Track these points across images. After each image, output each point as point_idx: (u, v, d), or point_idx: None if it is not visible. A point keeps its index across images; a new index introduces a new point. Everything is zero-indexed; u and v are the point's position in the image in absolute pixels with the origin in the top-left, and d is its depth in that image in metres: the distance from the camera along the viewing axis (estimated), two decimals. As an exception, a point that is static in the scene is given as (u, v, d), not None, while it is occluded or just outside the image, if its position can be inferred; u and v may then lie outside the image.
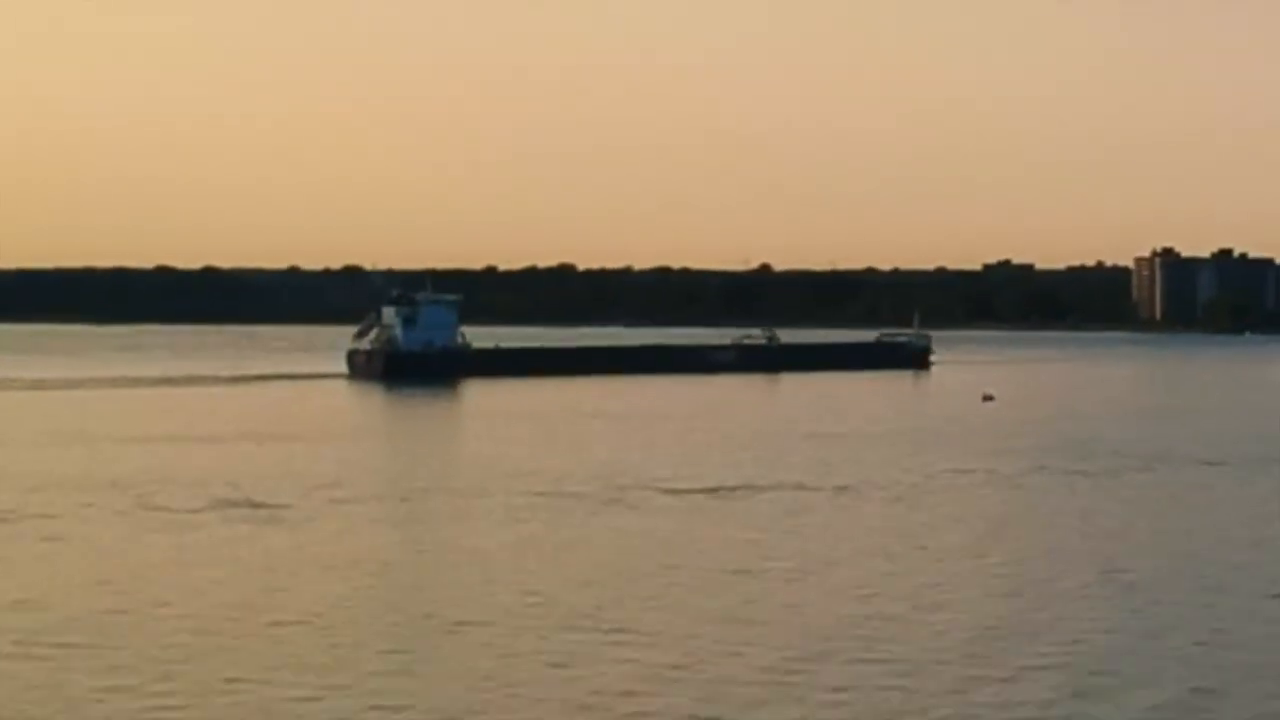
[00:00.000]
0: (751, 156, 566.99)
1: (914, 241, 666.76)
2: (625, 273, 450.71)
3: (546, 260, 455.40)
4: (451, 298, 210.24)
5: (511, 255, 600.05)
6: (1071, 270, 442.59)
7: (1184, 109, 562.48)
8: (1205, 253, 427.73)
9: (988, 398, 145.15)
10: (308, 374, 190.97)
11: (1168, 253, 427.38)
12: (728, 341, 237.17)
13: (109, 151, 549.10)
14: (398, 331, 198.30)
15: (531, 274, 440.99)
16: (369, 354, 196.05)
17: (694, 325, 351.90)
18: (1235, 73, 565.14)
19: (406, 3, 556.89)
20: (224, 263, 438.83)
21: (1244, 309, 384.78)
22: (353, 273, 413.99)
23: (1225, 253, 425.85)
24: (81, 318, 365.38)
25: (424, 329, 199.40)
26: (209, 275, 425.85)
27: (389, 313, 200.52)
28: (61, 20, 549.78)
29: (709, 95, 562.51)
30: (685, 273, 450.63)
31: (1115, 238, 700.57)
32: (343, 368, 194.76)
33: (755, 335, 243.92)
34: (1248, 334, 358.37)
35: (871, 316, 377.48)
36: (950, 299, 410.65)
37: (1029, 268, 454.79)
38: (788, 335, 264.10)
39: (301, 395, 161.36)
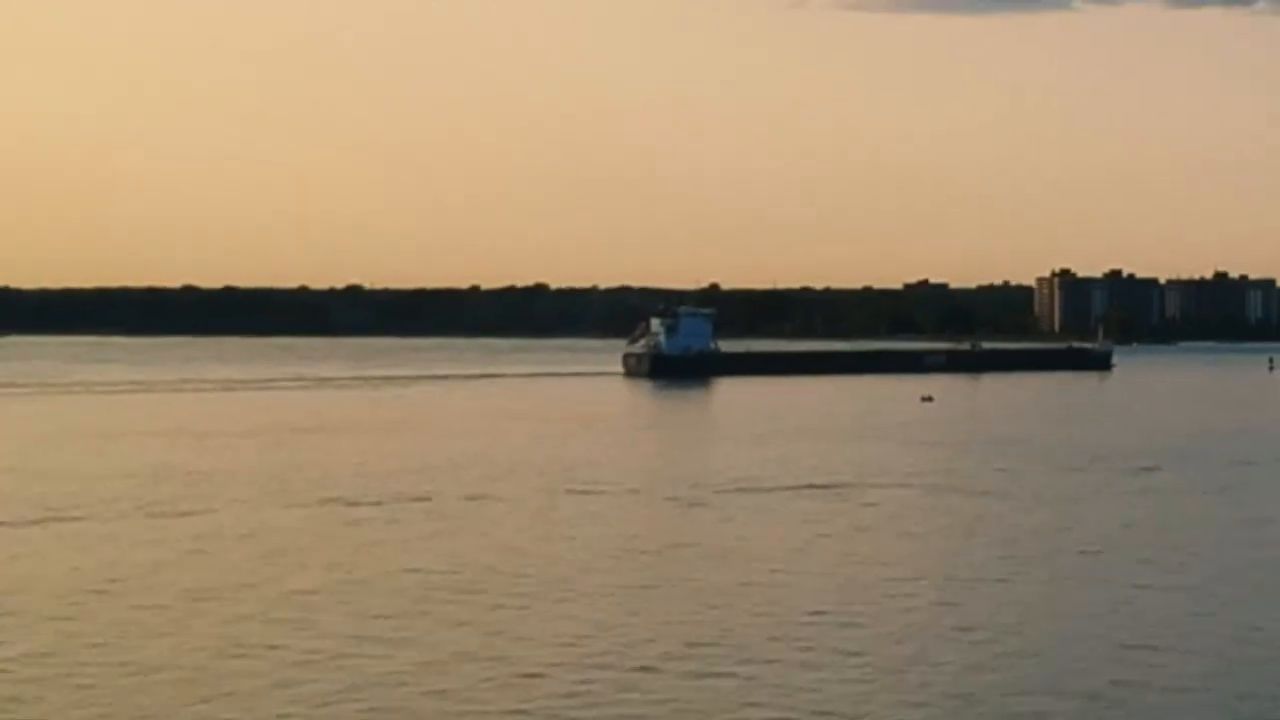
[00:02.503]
0: (702, 188, 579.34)
1: (843, 263, 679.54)
2: (591, 291, 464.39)
3: (523, 280, 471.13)
4: (706, 311, 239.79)
5: (493, 276, 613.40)
6: (981, 288, 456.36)
7: (1081, 145, 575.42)
8: (1098, 273, 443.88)
9: (926, 399, 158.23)
10: (590, 372, 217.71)
11: (1065, 273, 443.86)
12: (939, 348, 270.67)
13: (142, 185, 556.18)
14: (662, 338, 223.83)
15: (510, 292, 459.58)
16: (639, 357, 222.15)
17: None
18: (1124, 114, 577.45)
19: (401, 58, 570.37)
20: (242, 283, 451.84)
21: (1132, 323, 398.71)
22: (354, 291, 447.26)
23: (1115, 273, 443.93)
24: (120, 332, 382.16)
25: (683, 336, 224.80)
26: (229, 293, 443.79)
27: (655, 323, 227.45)
28: (96, 64, 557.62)
29: (664, 133, 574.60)
30: (644, 290, 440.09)
31: (1019, 260, 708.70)
32: (618, 368, 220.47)
33: (961, 343, 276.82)
34: (1135, 345, 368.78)
35: (808, 330, 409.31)
36: (875, 314, 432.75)
37: (944, 286, 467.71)
38: (733, 345, 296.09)
39: (593, 389, 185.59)
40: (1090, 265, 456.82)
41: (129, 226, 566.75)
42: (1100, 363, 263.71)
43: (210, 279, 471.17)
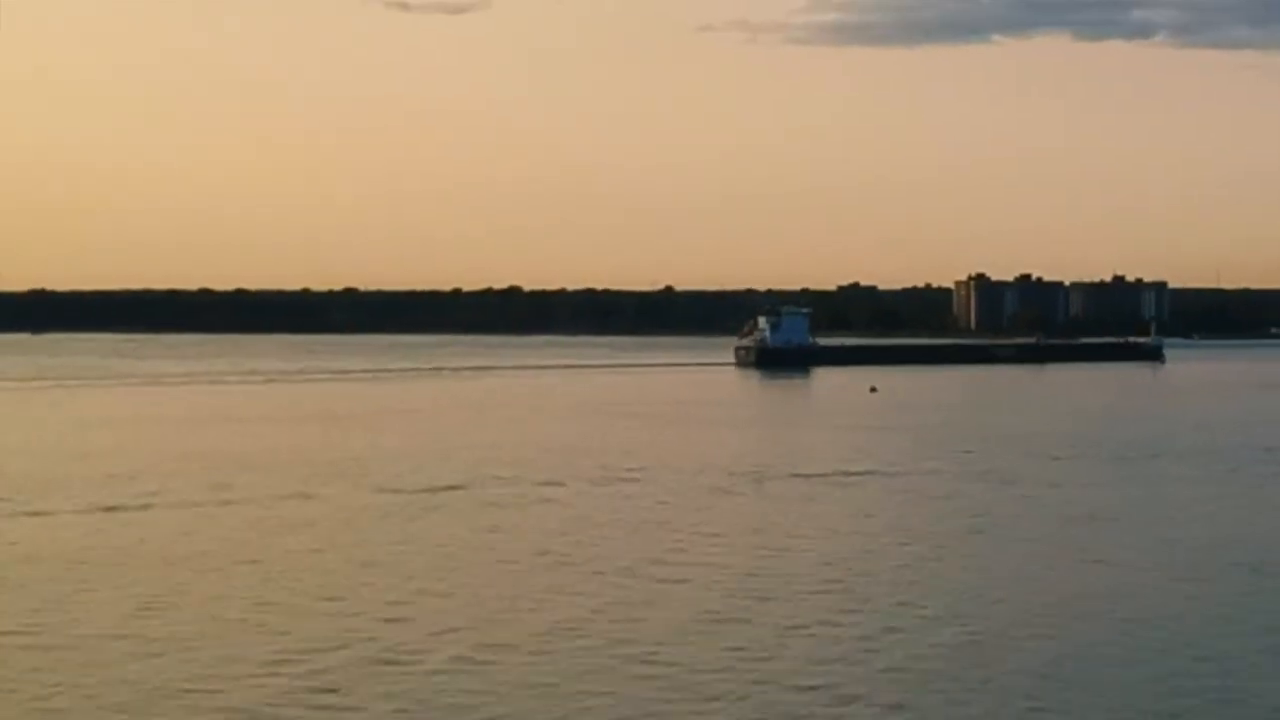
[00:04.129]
0: (658, 197, 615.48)
1: (783, 266, 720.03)
2: (560, 293, 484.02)
3: (499, 283, 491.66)
4: (805, 310, 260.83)
5: (473, 278, 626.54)
6: (906, 290, 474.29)
7: (996, 161, 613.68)
8: (1010, 276, 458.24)
9: (873, 389, 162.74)
10: (707, 363, 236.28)
11: (980, 277, 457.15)
12: (1009, 342, 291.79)
13: (163, 198, 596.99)
14: (767, 334, 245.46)
15: (488, 294, 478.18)
16: (747, 349, 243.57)
17: (614, 334, 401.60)
18: (1034, 136, 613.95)
19: (390, 85, 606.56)
20: (251, 285, 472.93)
21: (1040, 323, 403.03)
22: (351, 294, 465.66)
23: (1025, 276, 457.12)
24: (144, 329, 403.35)
25: (785, 332, 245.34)
26: (241, 295, 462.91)
27: (762, 321, 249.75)
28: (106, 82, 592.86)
29: (622, 149, 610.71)
30: (607, 293, 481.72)
31: (940, 264, 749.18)
32: (730, 359, 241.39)
33: (1028, 338, 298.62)
34: (1042, 340, 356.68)
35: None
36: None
37: (873, 288, 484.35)
38: (685, 341, 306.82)
39: (709, 378, 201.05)
40: (1003, 269, 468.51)
41: (152, 235, 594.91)
42: (1153, 354, 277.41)
43: (223, 282, 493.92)
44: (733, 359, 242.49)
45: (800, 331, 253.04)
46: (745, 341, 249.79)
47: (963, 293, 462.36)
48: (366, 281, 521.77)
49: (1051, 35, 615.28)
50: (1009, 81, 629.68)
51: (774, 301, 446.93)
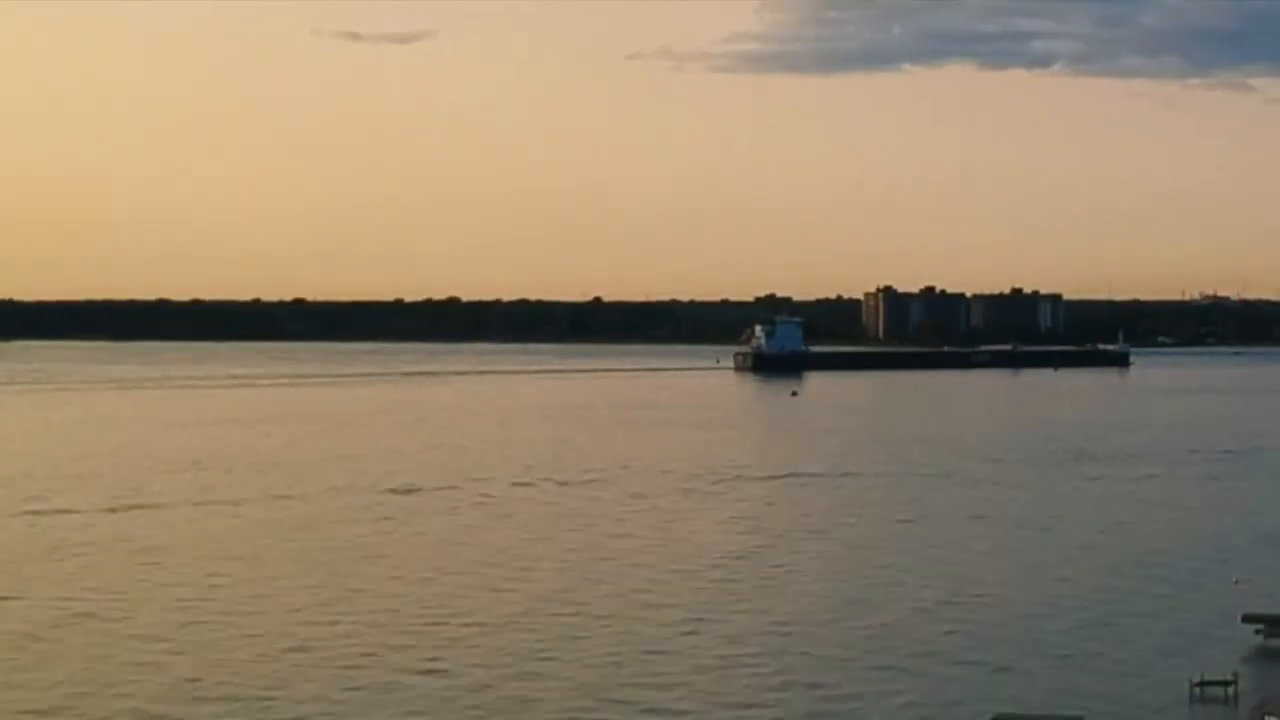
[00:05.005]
0: (589, 214, 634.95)
1: (705, 280, 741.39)
2: (496, 303, 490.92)
3: (439, 294, 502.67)
4: (797, 320, 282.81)
5: (413, 290, 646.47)
6: (820, 301, 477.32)
7: (905, 182, 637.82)
8: (915, 289, 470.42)
9: (794, 393, 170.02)
10: (703, 368, 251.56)
11: (888, 289, 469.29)
12: (986, 349, 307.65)
13: (123, 214, 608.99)
14: (763, 342, 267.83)
15: (429, 304, 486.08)
16: (745, 355, 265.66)
17: (546, 342, 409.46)
18: (943, 158, 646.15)
19: (340, 109, 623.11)
20: (207, 296, 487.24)
21: (943, 332, 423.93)
22: (300, 304, 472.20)
23: (930, 289, 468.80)
24: (105, 337, 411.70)
25: (779, 340, 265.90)
26: (197, 305, 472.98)
27: (758, 330, 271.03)
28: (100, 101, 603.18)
29: (562, 169, 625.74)
30: (540, 303, 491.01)
31: (851, 277, 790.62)
32: (730, 364, 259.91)
33: (1003, 346, 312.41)
34: (946, 347, 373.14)
35: (675, 336, 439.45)
36: (731, 323, 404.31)
37: (789, 299, 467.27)
38: (617, 349, 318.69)
39: (714, 381, 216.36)
40: (908, 282, 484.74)
41: (115, 249, 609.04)
42: (1120, 361, 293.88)
43: (181, 293, 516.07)
44: (731, 363, 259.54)
45: (794, 339, 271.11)
46: (743, 348, 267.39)
47: (871, 303, 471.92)
48: (315, 292, 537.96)
49: (958, 65, 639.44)
50: (918, 108, 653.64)
51: (696, 312, 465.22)
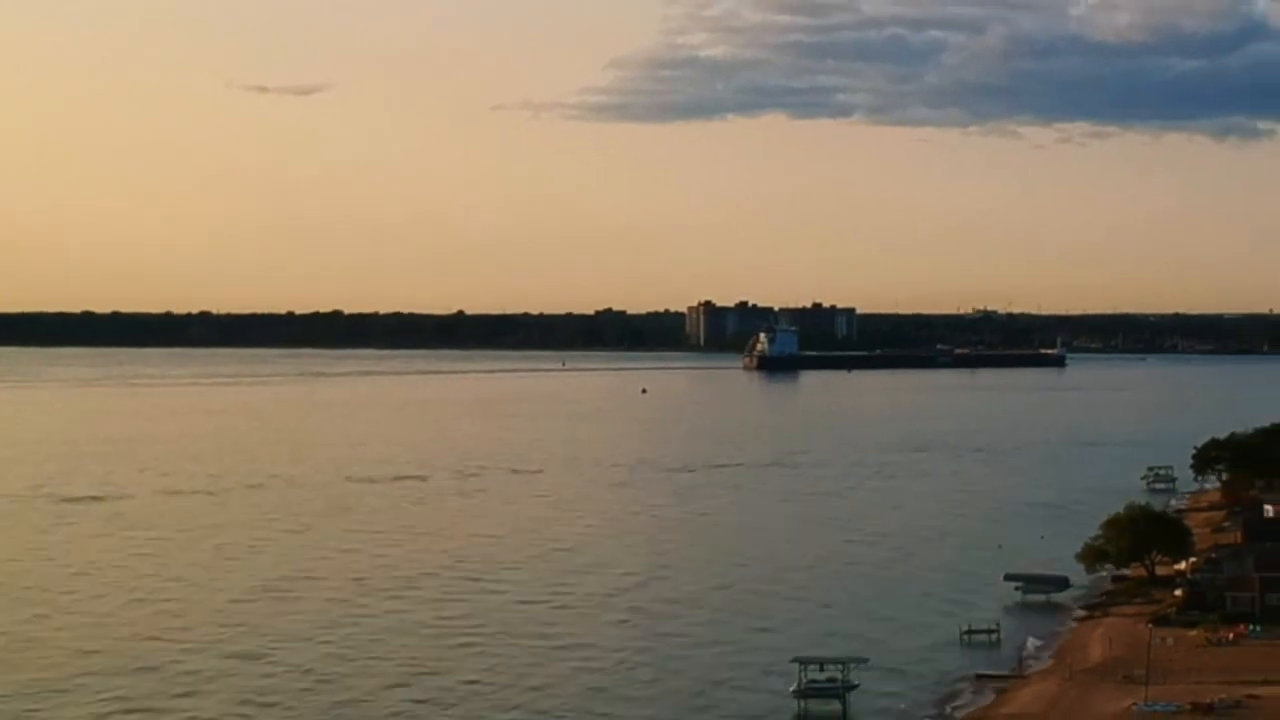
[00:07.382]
0: (454, 238, 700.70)
1: (552, 295, 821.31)
2: (374, 315, 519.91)
3: (325, 307, 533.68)
4: (793, 329, 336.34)
5: (302, 303, 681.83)
6: (650, 314, 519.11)
7: (726, 208, 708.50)
8: (731, 303, 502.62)
9: (643, 390, 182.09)
10: (717, 367, 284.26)
11: (708, 303, 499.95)
12: (946, 349, 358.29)
13: (54, 234, 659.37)
14: (766, 346, 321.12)
15: (316, 316, 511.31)
16: (753, 358, 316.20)
17: (418, 349, 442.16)
18: (759, 187, 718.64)
19: (247, 152, 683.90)
20: (125, 308, 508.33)
21: (756, 341, 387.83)
22: (205, 315, 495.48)
23: (744, 303, 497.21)
24: (34, 344, 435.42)
25: (780, 345, 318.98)
26: (116, 317, 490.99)
27: (763, 337, 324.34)
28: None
29: (434, 200, 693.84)
30: (410, 315, 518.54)
31: (676, 293, 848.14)
32: (739, 365, 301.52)
33: (963, 349, 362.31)
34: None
35: (526, 344, 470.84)
36: (574, 333, 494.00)
37: (624, 312, 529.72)
38: (480, 355, 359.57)
39: (728, 379, 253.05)
40: (725, 297, 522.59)
41: (43, 267, 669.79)
42: (1057, 362, 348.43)
43: (102, 305, 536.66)
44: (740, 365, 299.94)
45: (791, 345, 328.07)
46: (751, 352, 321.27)
47: (694, 316, 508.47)
48: (217, 305, 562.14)
49: (772, 115, 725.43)
50: (739, 150, 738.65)
51: (545, 322, 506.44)
